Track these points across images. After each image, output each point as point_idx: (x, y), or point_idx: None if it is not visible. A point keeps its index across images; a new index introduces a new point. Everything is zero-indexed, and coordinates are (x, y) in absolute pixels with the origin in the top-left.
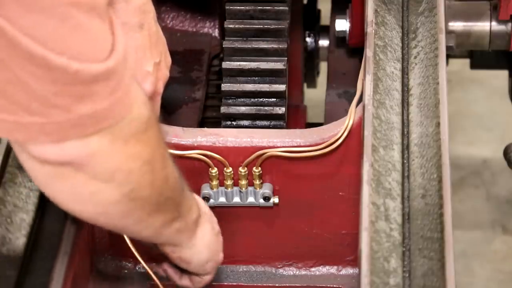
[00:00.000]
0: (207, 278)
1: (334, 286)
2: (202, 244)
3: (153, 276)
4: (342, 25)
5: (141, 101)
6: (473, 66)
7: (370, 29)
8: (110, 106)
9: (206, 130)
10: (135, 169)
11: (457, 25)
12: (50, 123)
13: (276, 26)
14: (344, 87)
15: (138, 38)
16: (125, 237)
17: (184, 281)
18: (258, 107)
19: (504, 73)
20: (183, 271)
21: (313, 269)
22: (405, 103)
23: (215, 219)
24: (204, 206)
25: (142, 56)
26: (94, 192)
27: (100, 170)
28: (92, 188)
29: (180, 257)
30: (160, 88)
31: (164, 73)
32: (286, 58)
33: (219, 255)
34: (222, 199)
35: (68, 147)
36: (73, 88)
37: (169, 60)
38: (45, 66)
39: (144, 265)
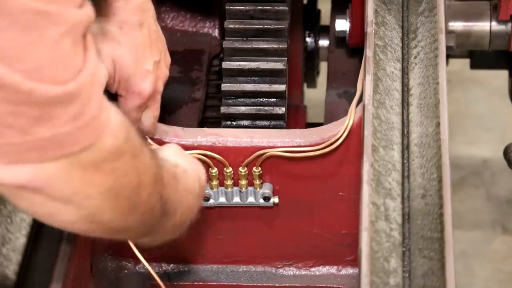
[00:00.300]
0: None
1: (334, 286)
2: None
3: (154, 274)
4: (342, 25)
5: (110, 131)
6: (473, 66)
7: (370, 29)
8: (73, 131)
9: (206, 130)
10: (94, 195)
11: (457, 25)
12: (5, 144)
13: (276, 26)
14: (344, 87)
15: (138, 37)
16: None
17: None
18: (258, 107)
19: (504, 73)
20: None
21: (313, 269)
22: (405, 103)
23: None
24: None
25: (142, 55)
26: (52, 213)
27: (56, 194)
28: (50, 209)
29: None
30: (160, 87)
31: (164, 72)
32: (286, 58)
33: None
34: (222, 199)
35: (21, 171)
36: (28, 109)
37: (168, 59)
38: None
39: (146, 264)
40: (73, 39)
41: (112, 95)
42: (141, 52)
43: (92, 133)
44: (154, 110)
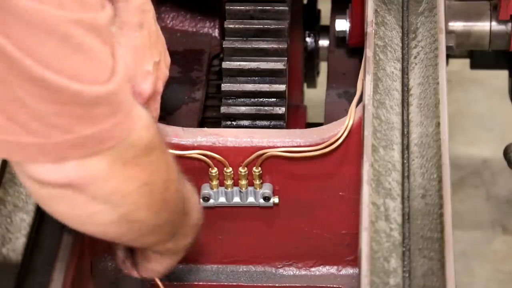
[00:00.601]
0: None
1: (334, 286)
2: (173, 263)
3: (158, 281)
4: (342, 25)
5: (143, 125)
6: (473, 66)
7: (370, 29)
8: (110, 128)
9: (206, 130)
10: (132, 191)
11: (457, 25)
12: (49, 144)
13: (276, 26)
14: (344, 87)
15: (138, 38)
16: None
17: (126, 265)
18: (258, 107)
19: (504, 73)
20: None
21: (313, 269)
22: (405, 103)
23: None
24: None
25: (142, 56)
26: (92, 213)
27: (98, 192)
28: (90, 210)
29: (153, 260)
30: (160, 88)
31: (164, 73)
32: (286, 58)
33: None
34: (222, 199)
35: (67, 168)
36: (72, 109)
37: (168, 59)
38: (44, 86)
39: None
40: (102, 39)
41: None
42: (141, 53)
43: (127, 127)
44: (154, 111)
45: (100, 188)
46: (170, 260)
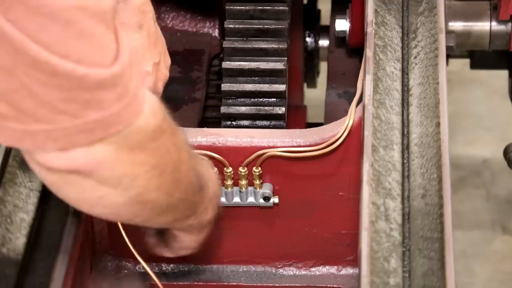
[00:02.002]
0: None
1: (334, 286)
2: (205, 235)
3: (152, 275)
4: (342, 25)
5: (151, 109)
6: (473, 66)
7: (370, 29)
8: (118, 111)
9: (206, 130)
10: (141, 174)
11: (457, 25)
12: (57, 130)
13: (276, 26)
14: (344, 87)
15: (137, 38)
16: (125, 238)
17: (160, 249)
18: (258, 107)
19: (504, 73)
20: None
21: (313, 269)
22: (405, 103)
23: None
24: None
25: (141, 57)
26: (101, 197)
27: (106, 176)
28: (99, 193)
29: (179, 236)
30: (160, 88)
31: (164, 73)
32: (286, 58)
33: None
34: (222, 199)
35: (74, 155)
36: (79, 94)
37: (168, 60)
38: (50, 71)
39: (144, 265)
40: (105, 25)
41: None
42: (141, 54)
43: (134, 110)
44: None
45: (107, 173)
46: (198, 235)
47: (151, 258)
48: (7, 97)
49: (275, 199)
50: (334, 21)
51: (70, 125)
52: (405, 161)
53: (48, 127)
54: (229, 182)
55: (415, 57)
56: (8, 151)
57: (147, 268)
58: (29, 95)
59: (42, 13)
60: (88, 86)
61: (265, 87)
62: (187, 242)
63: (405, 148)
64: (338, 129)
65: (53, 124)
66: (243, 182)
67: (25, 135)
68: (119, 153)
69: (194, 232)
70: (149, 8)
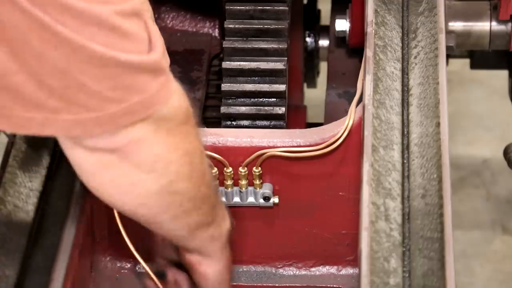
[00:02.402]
0: None
1: (334, 286)
2: (229, 261)
3: (152, 275)
4: (342, 25)
5: (180, 92)
6: (473, 66)
7: (370, 29)
8: (155, 92)
9: (206, 130)
10: (174, 159)
11: (457, 25)
12: (105, 115)
13: (276, 26)
14: (344, 87)
15: None
16: (124, 236)
17: None
18: (258, 107)
19: (504, 73)
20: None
21: (313, 269)
22: (405, 103)
23: None
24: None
25: None
26: (135, 183)
27: (143, 158)
28: (133, 178)
29: (205, 271)
30: None
31: None
32: (286, 58)
33: (231, 274)
34: (222, 199)
35: (117, 136)
36: (123, 79)
37: (167, 60)
38: (103, 63)
39: (144, 264)
40: (141, 21)
41: None
42: None
43: (168, 90)
44: None
45: (145, 154)
46: (221, 260)
47: (150, 258)
48: (60, 93)
49: (275, 199)
50: (334, 21)
51: (116, 109)
52: (405, 161)
53: (97, 114)
54: (229, 182)
55: (415, 57)
56: (8, 151)
57: (147, 269)
58: (81, 90)
59: (89, 22)
60: (131, 71)
61: (265, 87)
62: (212, 275)
63: (405, 148)
64: (338, 129)
65: (102, 111)
66: (243, 182)
67: (75, 124)
68: (156, 134)
69: (217, 256)
70: (147, 8)
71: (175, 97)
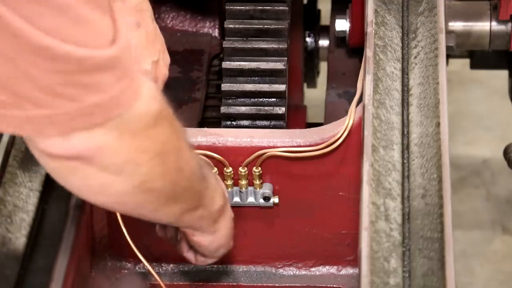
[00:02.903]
0: (212, 261)
1: (334, 286)
2: (223, 231)
3: (154, 274)
4: (342, 25)
5: (150, 95)
6: (473, 66)
7: (370, 29)
8: (117, 94)
9: (206, 130)
10: (144, 162)
11: (457, 25)
12: (57, 114)
13: (276, 26)
14: (344, 87)
15: (135, 37)
16: (126, 235)
17: (190, 254)
18: (258, 107)
19: (504, 73)
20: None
21: (313, 269)
22: (405, 103)
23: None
24: (227, 193)
25: (140, 55)
26: (104, 184)
27: (108, 163)
28: (102, 181)
29: (199, 241)
30: (159, 87)
31: (163, 72)
32: (286, 58)
33: (231, 243)
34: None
35: (75, 140)
36: (78, 77)
37: (167, 58)
38: (49, 55)
39: (146, 263)
40: (101, 10)
41: None
42: (139, 52)
43: (133, 92)
44: None
45: (109, 159)
46: (215, 234)
47: (151, 258)
48: (7, 84)
49: (275, 199)
50: (334, 21)
51: (70, 109)
52: (405, 161)
53: (48, 112)
54: (229, 182)
55: (415, 57)
56: (8, 151)
57: (149, 267)
58: (29, 81)
59: (36, 1)
60: (87, 68)
61: (265, 87)
62: (206, 244)
63: (405, 148)
64: (338, 129)
65: (53, 109)
66: (243, 182)
67: (25, 121)
68: (121, 139)
69: (209, 230)
70: (147, 7)
71: (142, 101)
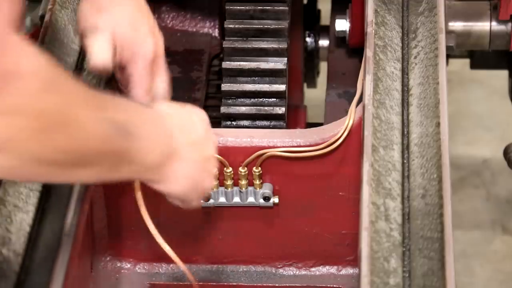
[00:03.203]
0: (193, 204)
1: (334, 286)
2: (180, 178)
3: (188, 273)
4: (342, 25)
5: (27, 70)
6: (473, 66)
7: (370, 29)
8: None
9: None
10: (24, 138)
11: (457, 25)
12: None
13: (276, 26)
14: (344, 87)
15: (130, 4)
16: (159, 237)
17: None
18: (258, 107)
19: (504, 73)
20: None
21: (313, 269)
22: (405, 103)
23: (209, 141)
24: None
25: (138, 20)
26: None
27: None
28: None
29: (159, 190)
30: (160, 51)
31: (159, 36)
32: (286, 58)
33: (204, 183)
34: (222, 199)
35: None
36: None
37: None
38: None
39: (180, 263)
40: None
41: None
42: (136, 18)
43: (11, 62)
44: (162, 75)
45: None
46: (168, 181)
47: (152, 258)
48: None
49: (275, 199)
50: (334, 21)
51: None
52: (405, 161)
53: None
54: (229, 182)
55: (415, 57)
56: None
57: (182, 265)
58: None
59: None
60: None
61: (265, 87)
62: (168, 192)
63: (405, 148)
64: (338, 129)
65: None
66: (243, 182)
67: None
68: None
69: (156, 180)
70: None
71: (17, 80)
